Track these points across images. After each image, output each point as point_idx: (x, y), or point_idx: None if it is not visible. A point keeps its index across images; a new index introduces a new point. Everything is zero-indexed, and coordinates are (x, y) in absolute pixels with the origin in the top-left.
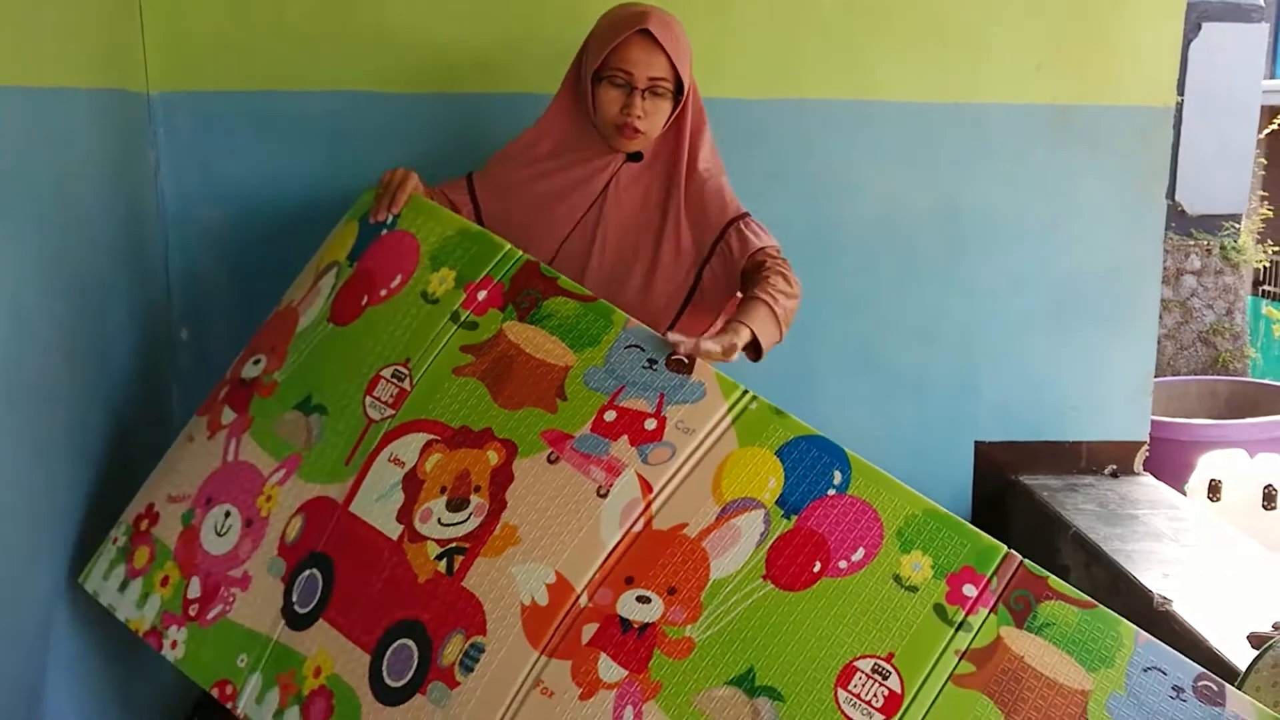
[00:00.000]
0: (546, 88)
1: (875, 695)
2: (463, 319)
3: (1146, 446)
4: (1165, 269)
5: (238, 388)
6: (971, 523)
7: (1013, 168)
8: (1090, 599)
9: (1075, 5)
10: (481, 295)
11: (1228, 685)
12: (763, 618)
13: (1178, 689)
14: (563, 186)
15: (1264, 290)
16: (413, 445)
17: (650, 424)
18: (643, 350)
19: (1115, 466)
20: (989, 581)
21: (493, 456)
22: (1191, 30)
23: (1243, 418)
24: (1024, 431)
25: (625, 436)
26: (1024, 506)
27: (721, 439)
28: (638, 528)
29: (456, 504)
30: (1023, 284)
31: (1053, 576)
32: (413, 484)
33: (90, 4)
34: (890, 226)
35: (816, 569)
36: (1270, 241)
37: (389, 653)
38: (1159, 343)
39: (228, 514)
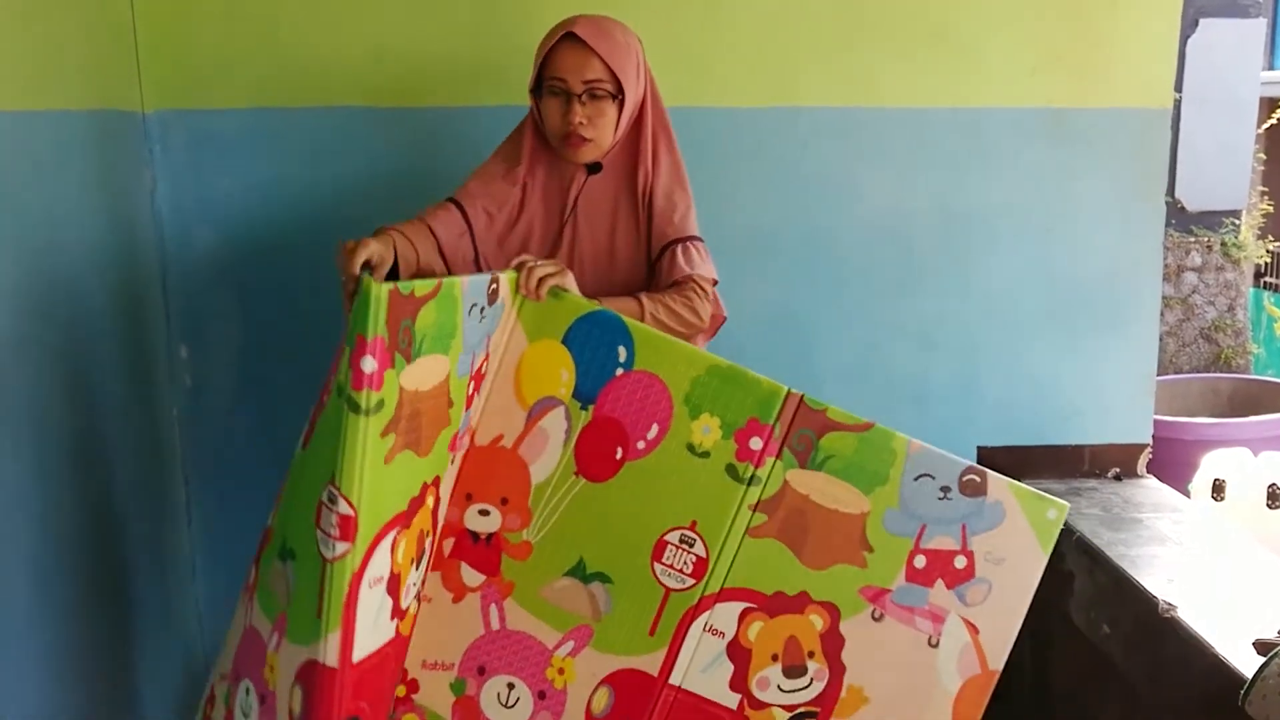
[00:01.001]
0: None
1: (685, 562)
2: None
3: (1149, 449)
4: (1166, 266)
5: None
6: None
7: (1010, 171)
8: (866, 420)
9: (1070, 7)
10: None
11: (989, 472)
12: (582, 512)
13: (945, 489)
14: (533, 209)
15: (1266, 283)
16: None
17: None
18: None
19: (1118, 469)
20: (772, 429)
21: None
22: (1189, 26)
23: (1246, 415)
24: (1026, 435)
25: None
26: None
27: (513, 337)
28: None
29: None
30: (1022, 287)
31: (832, 407)
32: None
33: (83, 25)
34: (888, 232)
35: (619, 455)
36: (1271, 237)
37: None
38: (1160, 340)
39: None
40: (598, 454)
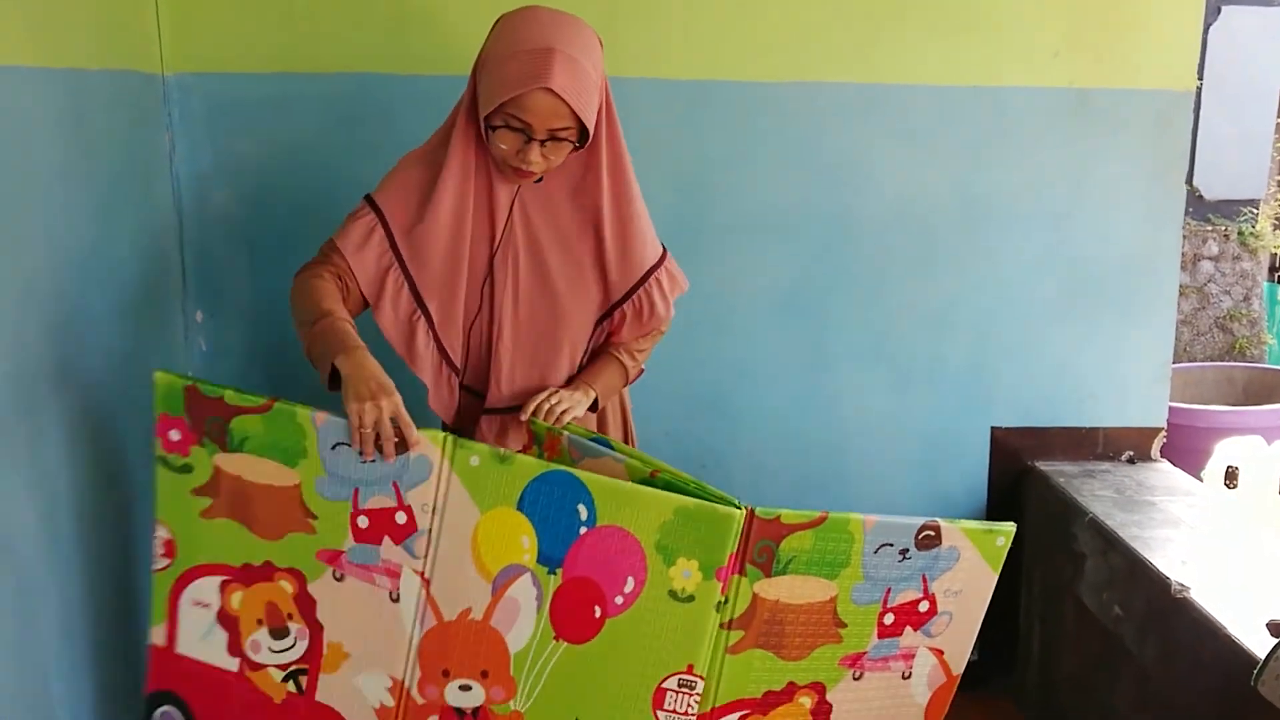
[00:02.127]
0: None
1: (688, 705)
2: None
3: (1164, 433)
4: (1182, 254)
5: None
6: (987, 509)
7: (1030, 152)
8: (820, 513)
9: None
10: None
11: (942, 524)
12: (570, 675)
13: (904, 551)
14: (470, 221)
15: None
16: (210, 587)
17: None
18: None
19: (1132, 453)
20: (734, 553)
21: (287, 585)
22: (1211, 14)
23: (1260, 404)
24: (1040, 417)
25: (387, 537)
26: (1040, 493)
27: (461, 507)
28: (430, 622)
29: (278, 632)
30: (1040, 269)
31: (785, 511)
32: (227, 619)
33: None
34: (906, 212)
35: (598, 614)
36: None
37: None
38: (1175, 328)
39: None
40: (575, 616)
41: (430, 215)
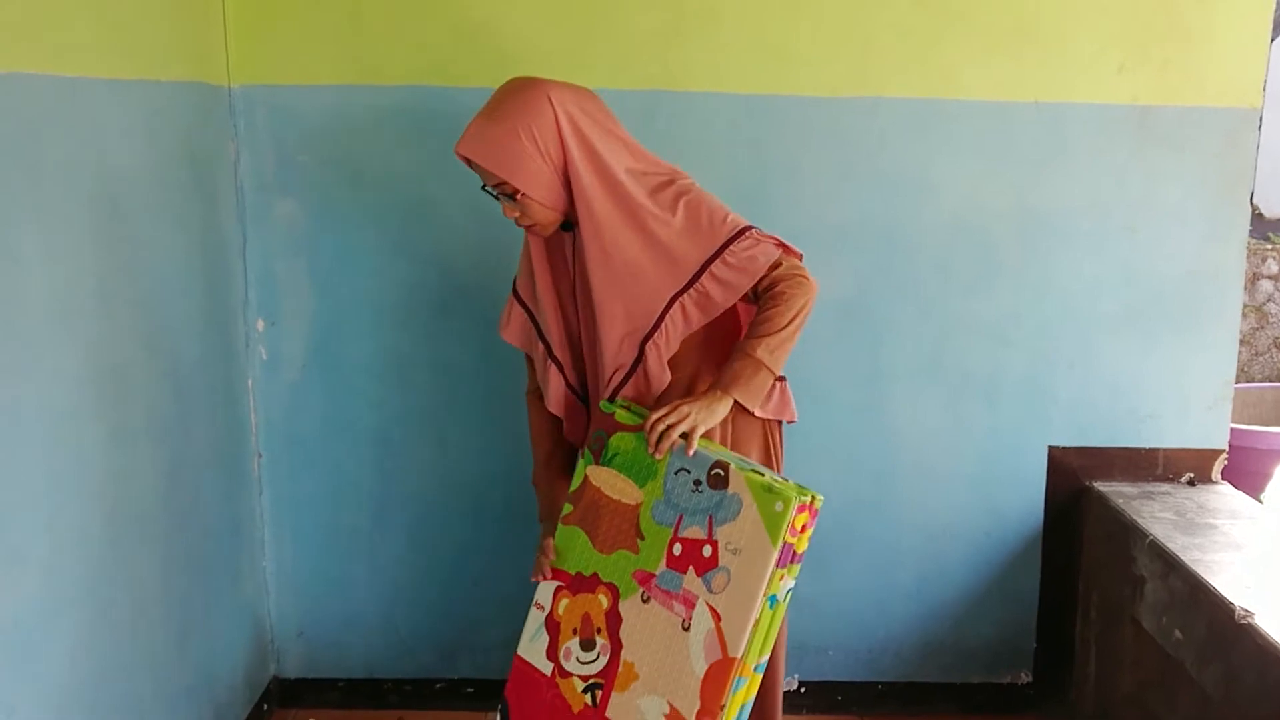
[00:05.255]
0: (620, 82)
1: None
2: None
3: (1225, 455)
4: None
5: None
6: (1044, 530)
7: (1092, 169)
8: (642, 421)
9: (1160, 2)
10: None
11: (732, 466)
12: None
13: (697, 482)
14: (550, 275)
15: None
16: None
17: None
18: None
19: (1192, 475)
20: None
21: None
22: (1273, 31)
23: None
24: (1099, 437)
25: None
26: (1098, 513)
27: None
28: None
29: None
30: (1100, 287)
31: (619, 409)
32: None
33: None
34: (965, 227)
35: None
36: None
37: None
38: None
39: None
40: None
41: (535, 281)
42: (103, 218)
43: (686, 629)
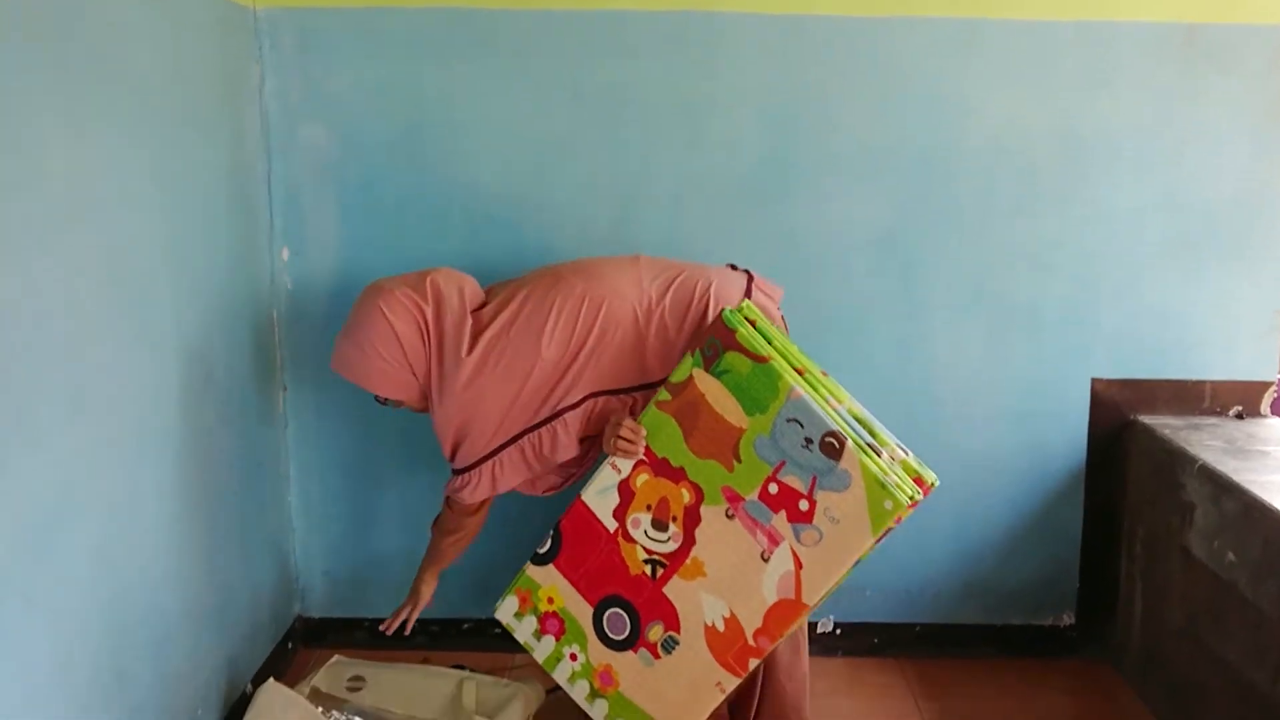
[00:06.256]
0: (650, 2)
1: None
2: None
3: (1275, 387)
4: None
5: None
6: (1087, 464)
7: (1137, 90)
8: (765, 353)
9: None
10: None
11: (848, 443)
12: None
13: (808, 440)
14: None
15: None
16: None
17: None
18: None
19: (1241, 408)
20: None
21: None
22: None
23: None
24: (1144, 368)
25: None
26: (1143, 446)
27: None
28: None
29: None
30: (1145, 213)
31: (742, 330)
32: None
33: None
34: (1006, 151)
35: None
36: None
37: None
38: None
39: None
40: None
41: None
42: (129, 117)
43: (765, 560)
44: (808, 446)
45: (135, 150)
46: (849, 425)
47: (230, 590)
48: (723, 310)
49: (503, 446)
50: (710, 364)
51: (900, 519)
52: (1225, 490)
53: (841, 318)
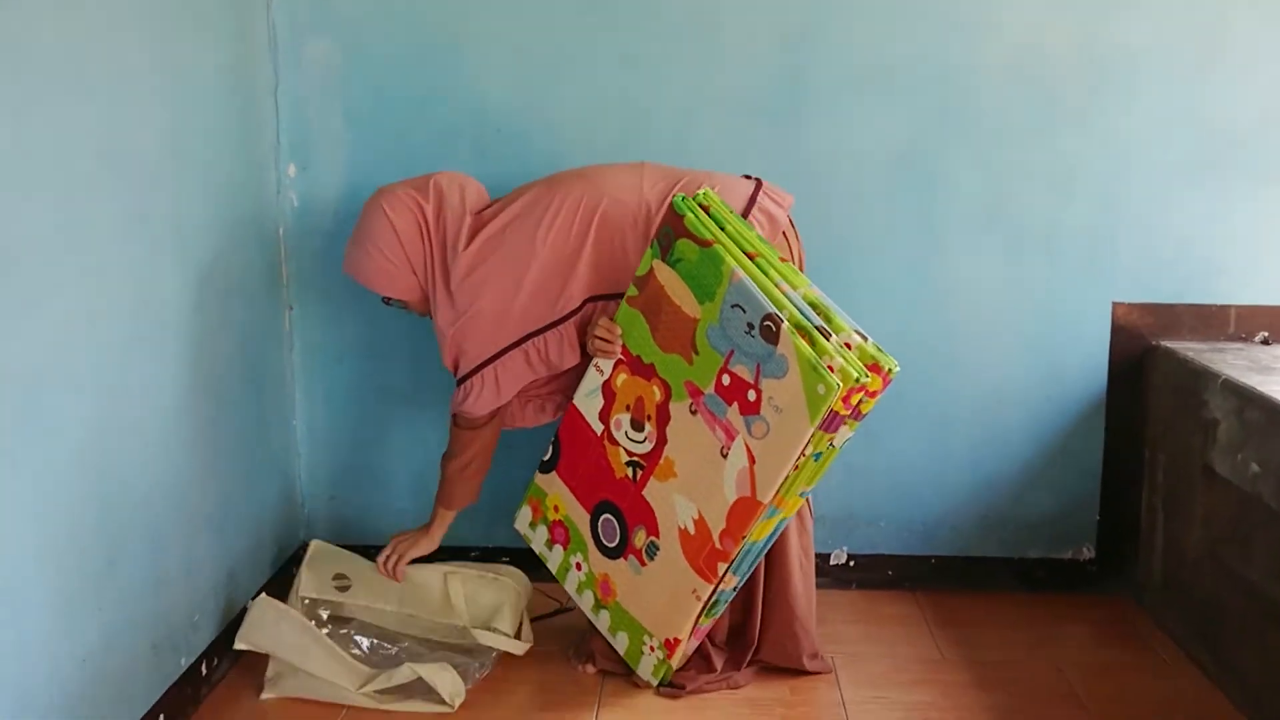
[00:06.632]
0: None
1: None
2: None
3: None
4: None
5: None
6: (1107, 393)
7: (1159, 4)
8: (709, 237)
9: None
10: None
11: (784, 325)
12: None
13: (750, 325)
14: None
15: None
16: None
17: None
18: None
19: (1266, 334)
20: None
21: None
22: None
23: None
24: (1166, 293)
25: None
26: (1165, 370)
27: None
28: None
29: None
30: (1168, 132)
31: (689, 215)
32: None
33: None
34: (1025, 66)
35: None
36: None
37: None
38: None
39: None
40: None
41: None
42: (123, 36)
43: (724, 455)
44: (750, 332)
45: (132, 66)
46: (799, 309)
47: (229, 503)
48: (674, 196)
49: (504, 351)
50: (666, 253)
51: (859, 402)
52: (1249, 401)
53: (856, 237)
